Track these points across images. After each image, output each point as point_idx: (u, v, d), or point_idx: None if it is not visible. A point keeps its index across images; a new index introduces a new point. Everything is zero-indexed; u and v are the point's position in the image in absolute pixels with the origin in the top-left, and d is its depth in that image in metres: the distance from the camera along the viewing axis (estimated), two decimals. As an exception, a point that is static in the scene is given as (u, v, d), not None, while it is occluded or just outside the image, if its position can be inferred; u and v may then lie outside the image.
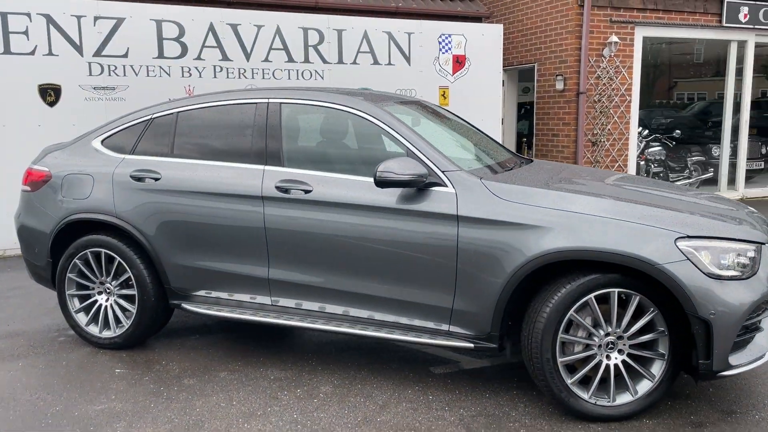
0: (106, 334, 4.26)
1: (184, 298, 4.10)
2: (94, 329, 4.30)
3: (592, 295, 3.13)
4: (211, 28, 7.57)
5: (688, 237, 3.06)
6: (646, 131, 10.41)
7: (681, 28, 10.07)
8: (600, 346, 3.20)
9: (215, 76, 7.65)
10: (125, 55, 7.24)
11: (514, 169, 3.92)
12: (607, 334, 3.19)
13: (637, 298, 3.13)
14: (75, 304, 4.33)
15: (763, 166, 11.52)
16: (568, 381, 3.18)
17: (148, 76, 7.37)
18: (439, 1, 9.92)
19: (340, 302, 3.71)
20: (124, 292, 4.20)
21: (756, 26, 10.55)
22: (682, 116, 11.04)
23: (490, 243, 3.28)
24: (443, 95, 8.90)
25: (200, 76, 7.58)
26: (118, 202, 4.09)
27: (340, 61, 8.19)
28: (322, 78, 8.13)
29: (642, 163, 10.13)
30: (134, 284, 4.10)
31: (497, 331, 3.35)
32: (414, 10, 9.32)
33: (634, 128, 10.00)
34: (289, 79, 7.97)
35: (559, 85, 9.57)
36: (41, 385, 3.71)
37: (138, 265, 4.08)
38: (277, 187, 3.74)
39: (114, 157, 4.25)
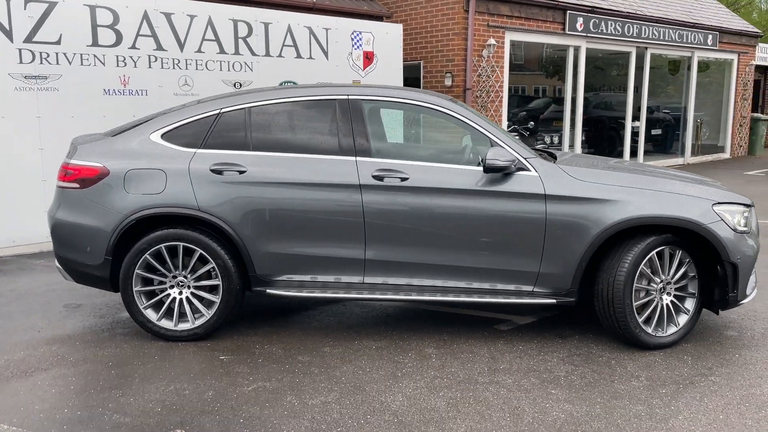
0: (183, 326, 4.32)
1: (267, 284, 4.33)
2: (167, 323, 4.32)
3: (654, 252, 4.09)
4: (146, 16, 7.34)
5: (718, 203, 4.15)
6: (509, 123, 11.95)
7: (537, 33, 11.71)
8: (657, 291, 4.18)
9: (150, 66, 7.44)
10: (58, 42, 6.78)
11: (560, 156, 4.75)
12: (660, 281, 4.18)
13: (680, 252, 4.16)
14: (143, 301, 4.31)
15: (593, 152, 13.76)
16: (640, 320, 4.12)
17: (82, 64, 6.97)
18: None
19: (432, 275, 4.26)
20: (203, 283, 4.29)
21: (588, 34, 12.59)
22: (535, 109, 12.79)
23: (574, 216, 4.08)
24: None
25: (135, 66, 7.33)
26: (200, 196, 4.18)
27: (267, 54, 8.38)
28: (252, 70, 8.26)
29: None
30: (218, 274, 4.23)
31: (576, 287, 4.18)
32: (327, 7, 9.74)
33: (505, 121, 11.45)
34: (221, 71, 8.00)
35: (448, 82, 10.64)
36: (173, 377, 3.75)
37: (223, 255, 4.22)
38: (374, 176, 4.17)
39: (184, 151, 4.30)
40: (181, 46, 7.65)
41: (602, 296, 4.12)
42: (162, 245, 4.23)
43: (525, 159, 4.18)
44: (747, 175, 13.71)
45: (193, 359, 4.03)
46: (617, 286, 4.04)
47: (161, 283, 4.33)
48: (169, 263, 4.29)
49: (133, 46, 7.29)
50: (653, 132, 15.65)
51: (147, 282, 4.33)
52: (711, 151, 17.30)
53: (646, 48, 14.31)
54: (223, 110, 4.40)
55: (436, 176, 4.19)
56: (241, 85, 8.17)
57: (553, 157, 4.76)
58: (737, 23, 17.51)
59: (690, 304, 4.26)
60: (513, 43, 11.43)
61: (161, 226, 4.26)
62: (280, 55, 8.51)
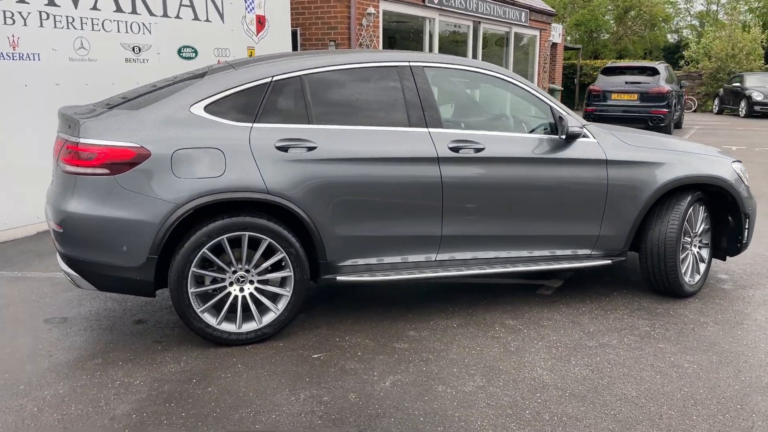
0: (249, 327, 3.77)
1: (335, 271, 3.96)
2: (229, 326, 3.74)
3: (691, 209, 4.49)
4: (34, -36, 6.04)
5: (734, 161, 4.68)
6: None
7: (404, 4, 11.85)
8: (690, 244, 4.59)
9: (42, 25, 6.16)
10: (-70, -10, 5.30)
11: (593, 123, 4.93)
12: (693, 235, 4.59)
13: (702, 207, 4.62)
14: (199, 304, 3.67)
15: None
16: (683, 269, 4.50)
17: (-39, 20, 5.54)
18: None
19: (498, 247, 4.22)
20: (268, 276, 3.78)
21: (441, 7, 13.05)
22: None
23: (630, 179, 4.32)
24: (251, 56, 8.79)
25: (25, 24, 6.01)
26: (267, 177, 3.65)
27: (165, 14, 7.40)
28: (150, 33, 7.24)
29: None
30: (289, 264, 3.76)
31: (627, 247, 4.45)
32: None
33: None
34: (119, 32, 6.90)
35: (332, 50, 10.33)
36: (290, 385, 3.26)
37: (295, 243, 3.75)
38: (450, 148, 3.99)
39: (239, 126, 3.71)
40: (75, 2, 6.43)
41: (653, 253, 4.43)
42: (224, 237, 3.62)
43: (583, 126, 4.30)
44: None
45: (286, 363, 3.55)
46: (669, 242, 4.37)
47: (219, 280, 3.72)
48: (231, 257, 3.69)
49: (22, 0, 5.97)
50: (483, 101, 16.79)
51: (200, 282, 3.69)
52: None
53: (480, 23, 15.24)
54: (275, 78, 3.85)
55: (508, 146, 4.14)
56: (140, 50, 7.13)
57: None
58: (539, 2, 19.37)
59: (706, 253, 4.77)
60: (385, 13, 11.44)
61: (219, 215, 3.64)
62: (177, 16, 7.57)
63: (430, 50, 13.18)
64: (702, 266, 4.73)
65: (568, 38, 33.39)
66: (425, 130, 3.99)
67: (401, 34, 12.94)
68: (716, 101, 25.22)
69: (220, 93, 3.75)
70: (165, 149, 3.54)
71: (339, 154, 3.79)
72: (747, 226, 4.68)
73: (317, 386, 3.28)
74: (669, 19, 40.02)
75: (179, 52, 7.65)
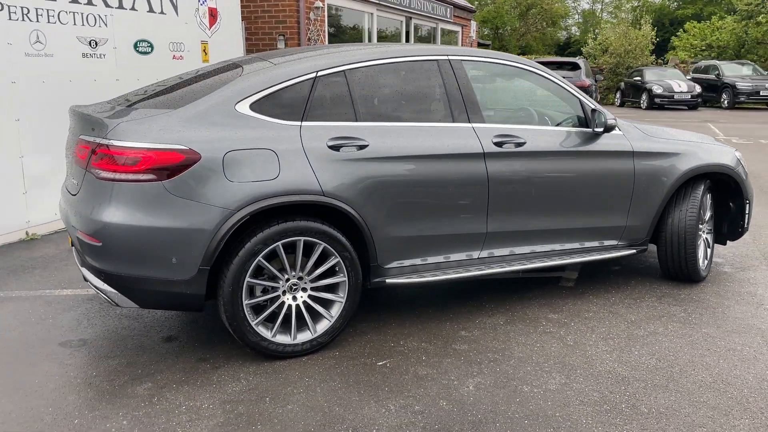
0: (303, 337, 3.56)
1: (383, 274, 3.81)
2: (284, 338, 3.52)
3: (704, 196, 4.67)
4: (-15, -52, 5.43)
5: (736, 150, 4.91)
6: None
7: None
8: (703, 230, 4.78)
9: (-5, 16, 5.56)
10: None
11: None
12: (704, 221, 4.78)
13: (709, 194, 4.82)
14: (253, 316, 3.43)
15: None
16: (700, 254, 4.67)
17: None
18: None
19: (534, 241, 4.22)
20: (321, 282, 3.59)
21: (379, 2, 12.98)
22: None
23: (654, 169, 4.44)
24: (204, 51, 8.36)
25: (-22, 15, 5.40)
26: (322, 178, 3.45)
27: (121, 6, 6.87)
28: (106, 25, 6.71)
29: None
30: (343, 269, 3.58)
31: (650, 236, 4.58)
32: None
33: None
34: (75, 24, 6.34)
35: (281, 45, 10.02)
36: (372, 396, 3.09)
37: (349, 247, 3.58)
38: (494, 143, 3.94)
39: (288, 125, 3.49)
40: (29, -10, 5.85)
41: (673, 241, 4.57)
42: (279, 243, 3.39)
43: (611, 119, 4.37)
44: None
45: (354, 373, 3.37)
46: (689, 229, 4.53)
47: (271, 290, 3.48)
48: (285, 264, 3.46)
49: (-27, -12, 5.35)
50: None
51: (253, 292, 3.45)
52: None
53: (411, 18, 15.31)
54: (319, 73, 3.64)
55: (546, 140, 4.14)
56: (96, 44, 6.59)
57: None
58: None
59: (710, 239, 4.99)
60: (329, 8, 11.22)
61: (274, 220, 3.40)
62: (133, 8, 7.06)
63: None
64: (708, 251, 4.93)
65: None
66: (469, 125, 3.92)
67: (342, 29, 12.75)
68: (618, 94, 26.64)
69: (264, 90, 3.50)
70: (216, 151, 3.26)
71: (390, 152, 3.65)
72: (747, 212, 4.93)
73: (401, 395, 3.14)
74: (567, 16, 41.99)
75: (135, 46, 7.14)
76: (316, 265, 3.54)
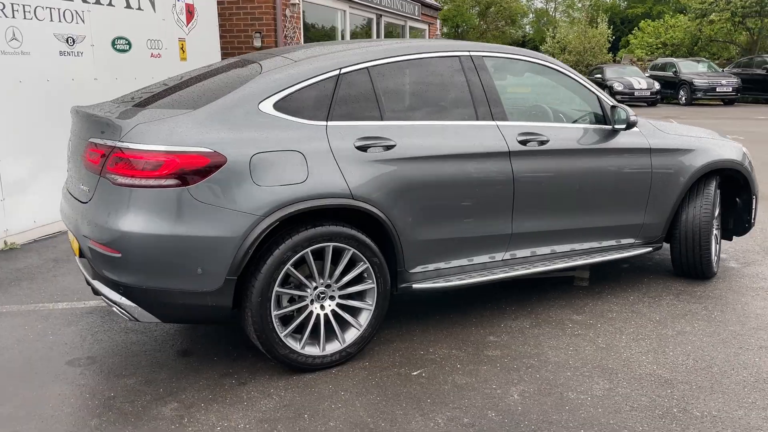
0: (332, 348, 3.39)
1: (409, 279, 3.67)
2: (313, 350, 3.34)
3: (717, 190, 4.65)
4: (-43, -63, 5.07)
5: (742, 146, 4.93)
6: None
7: (320, -5, 11.46)
8: (714, 223, 4.76)
9: (-32, 11, 5.20)
10: None
11: None
12: (716, 217, 4.76)
13: (718, 189, 4.81)
14: (282, 328, 3.24)
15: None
16: (713, 250, 4.66)
17: None
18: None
19: (556, 241, 4.13)
20: (349, 290, 3.42)
21: (350, 1, 12.80)
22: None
23: (669, 166, 4.40)
24: (182, 49, 8.06)
25: (-50, 10, 5.04)
26: (351, 181, 3.29)
27: (98, 2, 6.55)
28: (83, 21, 6.37)
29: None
30: (372, 275, 3.42)
31: (665, 234, 4.55)
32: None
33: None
34: (52, 20, 6.00)
35: (257, 42, 9.76)
36: (417, 410, 2.94)
37: (378, 252, 3.42)
38: (519, 141, 3.84)
39: (313, 125, 3.31)
40: (4, -17, 5.50)
41: (688, 237, 4.54)
42: (308, 250, 3.21)
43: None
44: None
45: (390, 384, 3.22)
46: (704, 226, 4.51)
47: (298, 299, 3.30)
48: (314, 271, 3.29)
49: (-55, -20, 4.99)
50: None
51: (280, 302, 3.26)
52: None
53: (381, 16, 15.17)
54: (343, 70, 3.47)
55: (568, 137, 4.07)
56: (74, 41, 6.25)
57: None
58: (426, -4, 19.64)
59: (718, 234, 4.98)
60: (305, 5, 10.99)
61: (301, 225, 3.22)
62: (110, 3, 6.74)
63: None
64: (717, 248, 4.94)
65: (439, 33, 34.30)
66: (493, 123, 3.80)
67: (315, 27, 12.53)
68: (579, 92, 26.98)
69: (288, 88, 3.32)
70: (242, 154, 3.06)
71: (417, 152, 3.50)
72: (754, 206, 4.95)
73: (446, 407, 3.00)
74: (526, 15, 42.51)
75: (113, 44, 6.82)
76: (344, 271, 3.37)
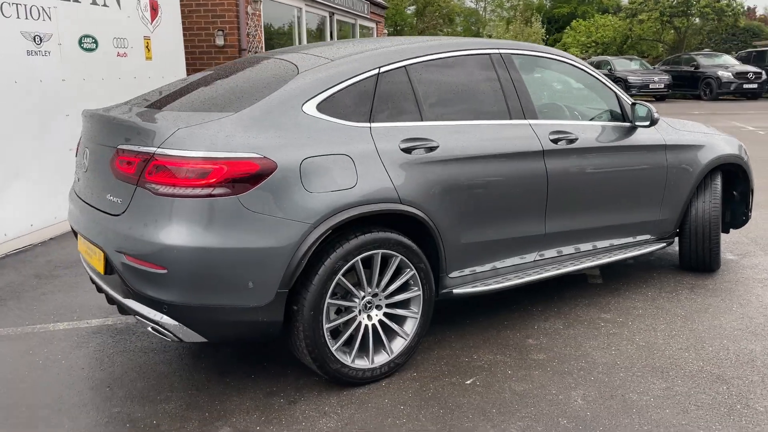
0: (380, 360, 3.24)
1: (449, 284, 3.56)
2: (362, 363, 3.19)
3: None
4: None
5: (740, 142, 5.05)
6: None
7: (279, -8, 11.17)
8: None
9: (-69, 6, 4.74)
10: None
11: None
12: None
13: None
14: (333, 341, 3.07)
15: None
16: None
17: None
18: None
19: (587, 239, 4.12)
20: (397, 298, 3.29)
21: (307, -3, 12.56)
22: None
23: (682, 162, 4.46)
24: (147, 47, 7.66)
25: None
26: (399, 185, 3.16)
27: (64, -3, 6.14)
28: (50, 19, 5.95)
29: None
30: (418, 282, 3.30)
31: (677, 229, 4.61)
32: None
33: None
34: (18, 17, 5.56)
35: (220, 41, 9.42)
36: (486, 422, 2.83)
37: (424, 258, 3.30)
38: (551, 140, 3.79)
39: (357, 126, 3.16)
40: (-32, -24, 5.05)
41: (698, 231, 4.61)
42: (359, 257, 3.06)
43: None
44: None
45: (447, 395, 3.10)
46: (713, 220, 4.59)
47: (346, 310, 3.14)
48: (363, 280, 3.13)
49: None
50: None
51: (329, 313, 3.09)
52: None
53: (333, 14, 14.97)
54: (382, 69, 3.33)
55: (594, 135, 4.06)
56: (41, 40, 5.82)
57: None
58: (373, -5, 19.54)
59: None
60: (266, 4, 10.69)
61: (351, 233, 3.06)
62: (76, 0, 6.32)
63: (299, 42, 12.63)
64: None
65: (377, 31, 34.31)
66: (525, 122, 3.74)
67: (272, 26, 12.22)
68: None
69: (330, 88, 3.15)
70: (292, 159, 2.87)
71: (459, 153, 3.40)
72: (751, 199, 5.09)
73: (515, 417, 2.90)
74: (462, 14, 42.99)
75: (80, 42, 6.40)
76: (392, 279, 3.23)
